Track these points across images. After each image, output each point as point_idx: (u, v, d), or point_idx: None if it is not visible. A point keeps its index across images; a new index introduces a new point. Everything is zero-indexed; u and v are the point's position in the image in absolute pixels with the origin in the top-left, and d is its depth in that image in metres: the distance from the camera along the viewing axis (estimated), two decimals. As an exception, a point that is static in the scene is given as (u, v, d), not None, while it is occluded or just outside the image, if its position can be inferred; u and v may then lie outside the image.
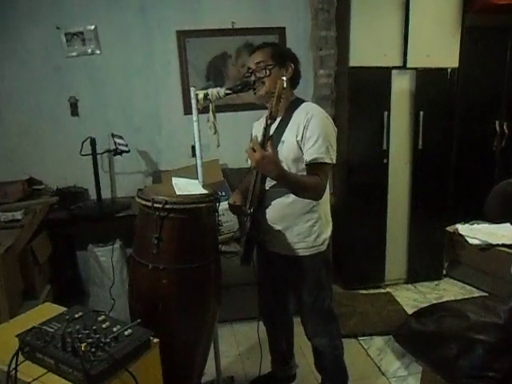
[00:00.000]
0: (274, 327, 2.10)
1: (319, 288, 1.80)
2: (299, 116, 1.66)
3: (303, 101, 1.74)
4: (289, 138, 1.66)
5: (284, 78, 1.53)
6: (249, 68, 1.76)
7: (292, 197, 1.68)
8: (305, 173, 1.66)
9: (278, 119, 1.68)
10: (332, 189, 3.31)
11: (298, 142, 1.63)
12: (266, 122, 1.56)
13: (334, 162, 1.65)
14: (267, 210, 1.74)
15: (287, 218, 1.72)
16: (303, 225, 1.72)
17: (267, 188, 1.70)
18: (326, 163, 1.62)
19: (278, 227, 1.74)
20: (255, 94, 1.74)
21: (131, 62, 3.02)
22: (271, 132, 1.59)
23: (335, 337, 1.90)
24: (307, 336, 1.93)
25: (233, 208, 1.80)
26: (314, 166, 1.62)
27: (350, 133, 2.91)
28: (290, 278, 1.87)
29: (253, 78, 1.72)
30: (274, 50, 1.74)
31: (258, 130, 1.72)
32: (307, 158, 1.63)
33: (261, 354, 2.01)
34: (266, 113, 1.62)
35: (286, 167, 1.63)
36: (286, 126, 1.68)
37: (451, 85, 2.94)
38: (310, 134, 1.61)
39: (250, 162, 1.67)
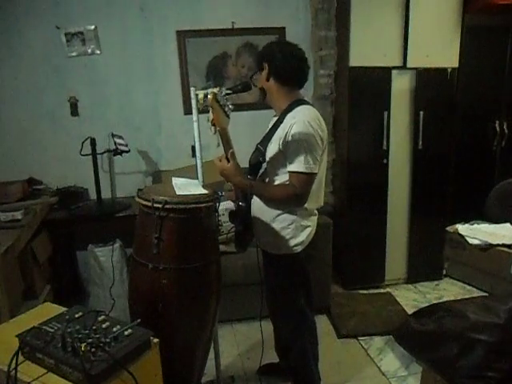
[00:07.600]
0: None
1: (285, 289, 1.82)
2: (287, 120, 1.67)
3: (301, 103, 1.71)
4: (275, 140, 1.69)
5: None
6: None
7: None
8: (287, 175, 1.67)
9: (276, 119, 1.75)
10: (331, 187, 3.31)
11: (279, 146, 1.66)
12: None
13: (313, 171, 1.63)
14: (252, 205, 1.80)
15: (266, 214, 1.76)
16: (278, 224, 1.74)
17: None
18: (302, 173, 1.62)
19: (259, 221, 1.79)
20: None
21: (131, 61, 3.02)
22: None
23: (301, 344, 1.88)
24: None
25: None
26: (291, 175, 1.65)
27: (350, 133, 2.91)
28: (266, 272, 1.89)
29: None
30: (256, 56, 1.81)
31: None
32: (287, 166, 1.66)
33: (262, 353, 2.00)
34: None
35: (271, 166, 1.72)
36: (278, 127, 1.70)
37: (451, 85, 2.93)
38: (289, 142, 1.63)
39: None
